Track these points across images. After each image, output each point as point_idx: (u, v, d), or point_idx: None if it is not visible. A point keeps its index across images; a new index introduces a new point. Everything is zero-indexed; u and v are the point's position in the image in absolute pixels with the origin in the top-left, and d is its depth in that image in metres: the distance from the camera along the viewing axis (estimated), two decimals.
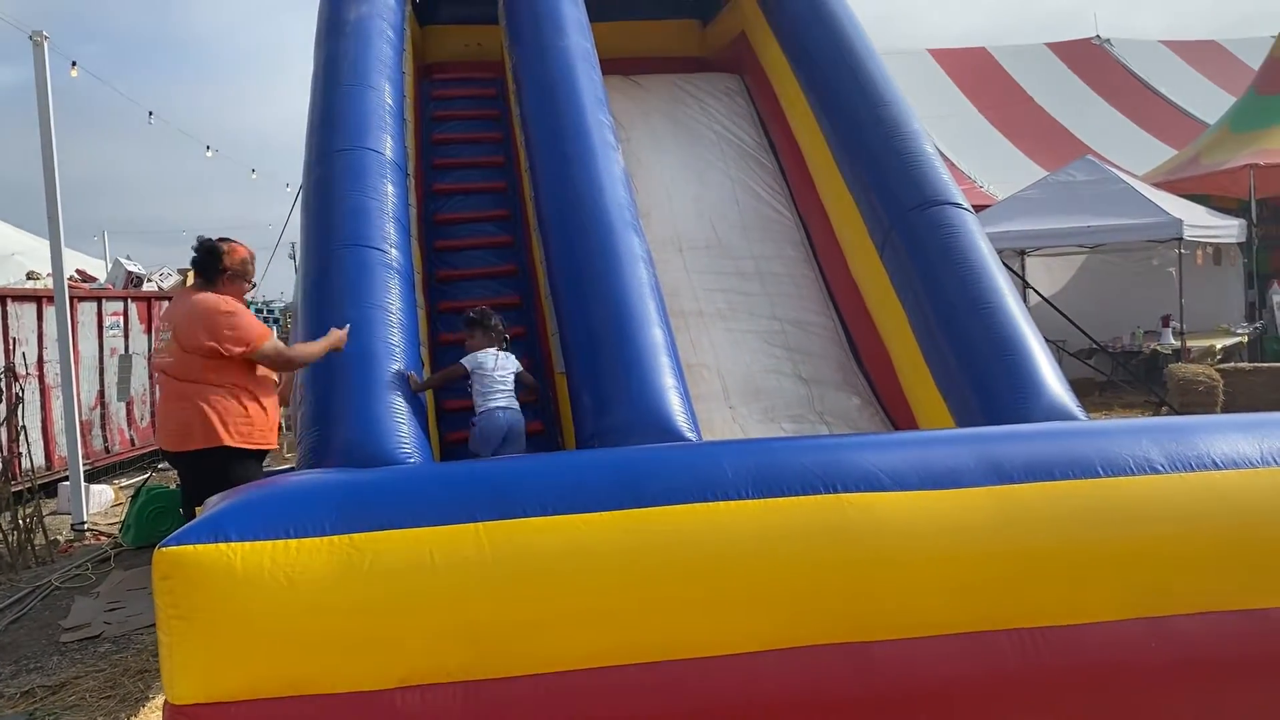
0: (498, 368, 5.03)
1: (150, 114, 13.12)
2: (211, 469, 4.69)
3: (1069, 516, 2.97)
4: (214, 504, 2.81)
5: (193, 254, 5.02)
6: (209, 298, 4.84)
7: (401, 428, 4.30)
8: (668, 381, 4.71)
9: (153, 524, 7.78)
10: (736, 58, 8.62)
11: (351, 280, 5.04)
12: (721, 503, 2.77)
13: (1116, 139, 19.90)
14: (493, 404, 4.97)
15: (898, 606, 2.81)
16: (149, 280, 13.95)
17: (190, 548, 2.51)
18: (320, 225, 5.43)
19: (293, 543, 2.56)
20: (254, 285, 5.15)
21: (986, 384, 4.99)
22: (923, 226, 5.77)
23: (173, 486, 8.42)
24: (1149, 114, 21.20)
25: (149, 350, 13.06)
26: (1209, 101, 20.30)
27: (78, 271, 13.80)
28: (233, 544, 2.53)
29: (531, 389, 5.53)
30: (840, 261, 6.68)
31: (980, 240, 5.71)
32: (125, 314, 12.67)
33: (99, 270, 15.80)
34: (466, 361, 5.05)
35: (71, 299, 10.16)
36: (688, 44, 9.46)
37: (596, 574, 2.67)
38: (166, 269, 14.54)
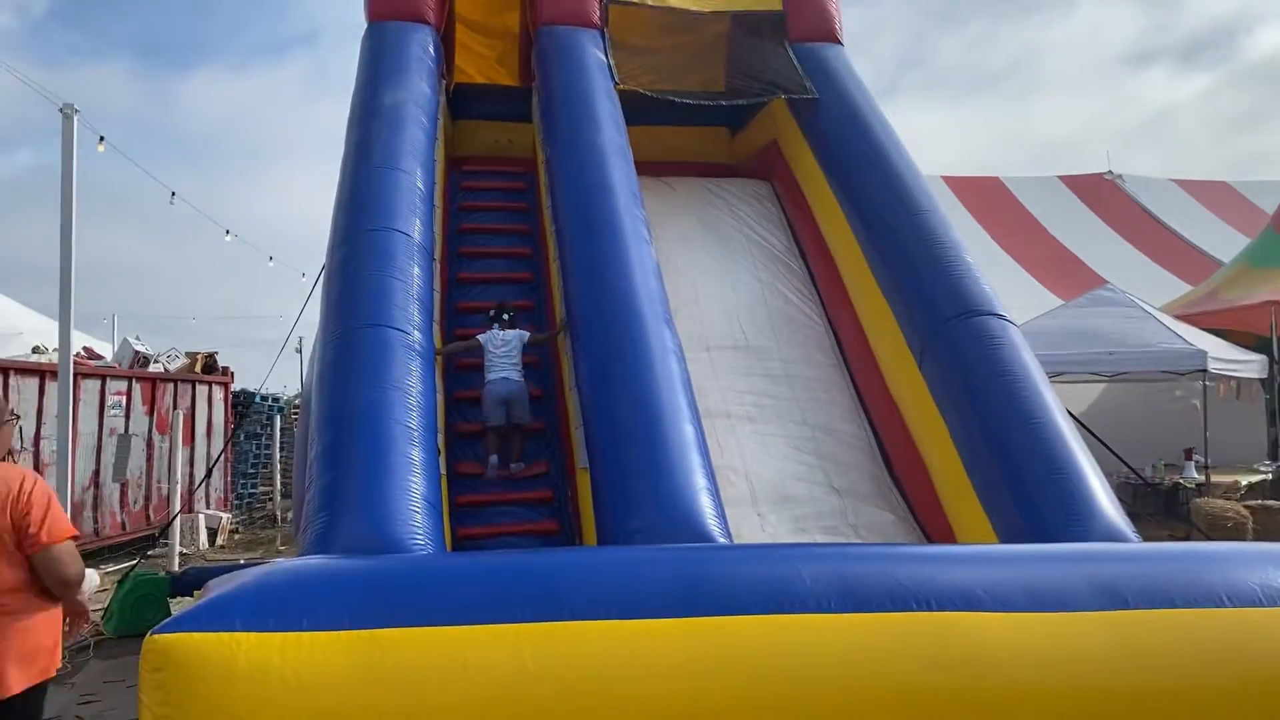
0: (501, 344, 6.00)
1: (173, 195, 13.11)
2: None
3: (1195, 650, 2.62)
4: (218, 586, 2.47)
5: None
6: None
7: (415, 517, 4.01)
8: (699, 481, 4.44)
9: (137, 612, 7.39)
10: (766, 164, 8.57)
11: (371, 360, 4.82)
12: (799, 615, 2.43)
13: (1131, 272, 19.93)
14: (492, 376, 5.94)
15: None
16: (155, 361, 13.75)
17: (188, 636, 2.17)
18: (343, 303, 5.24)
19: (306, 636, 2.21)
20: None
21: (1036, 503, 4.71)
22: (964, 337, 5.57)
23: (161, 574, 8.06)
24: (1162, 249, 21.32)
25: (148, 432, 12.79)
26: (1221, 239, 20.44)
27: (84, 349, 13.62)
28: (237, 634, 2.18)
29: (544, 340, 6.38)
30: (873, 369, 6.46)
31: (1024, 353, 5.51)
32: (129, 394, 12.44)
33: (106, 350, 15.61)
34: (480, 338, 6.08)
35: (75, 375, 9.93)
36: (717, 151, 9.44)
37: (652, 689, 2.31)
38: (174, 350, 14.37)
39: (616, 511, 4.45)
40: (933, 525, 5.71)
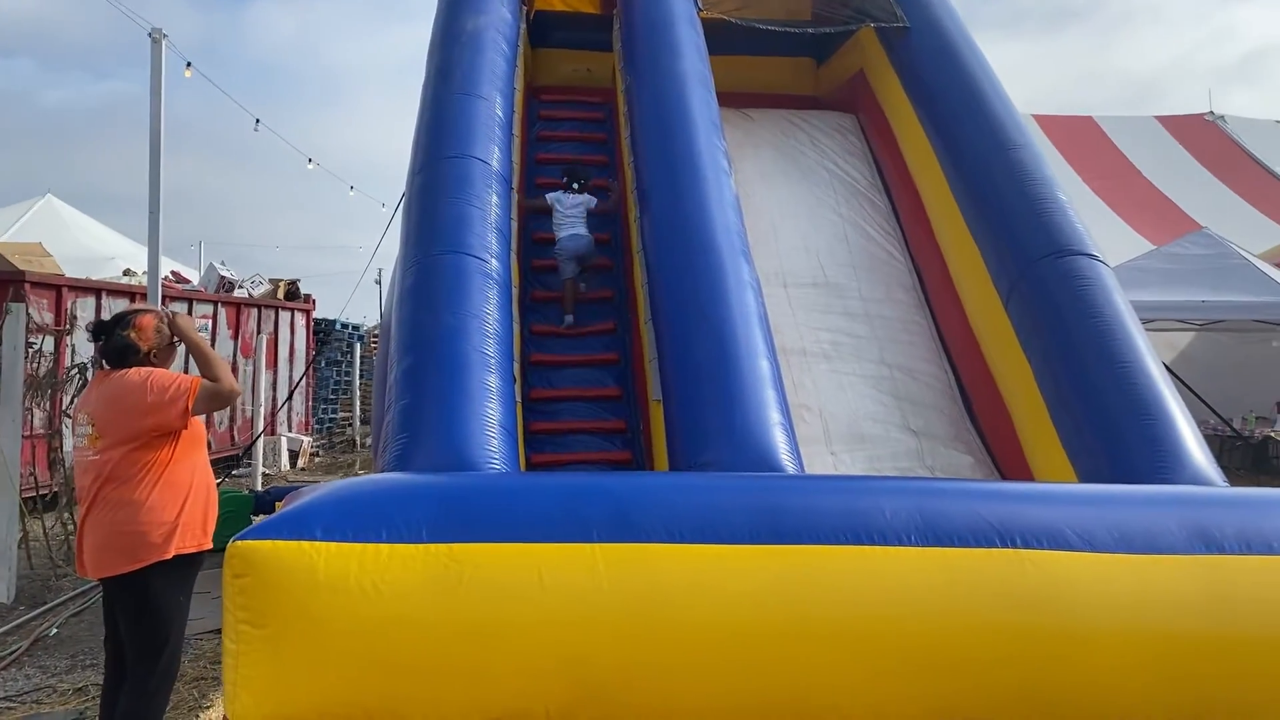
0: (570, 205, 6.67)
1: (258, 122, 13.29)
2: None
3: None
4: (299, 497, 2.51)
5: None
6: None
7: (492, 441, 4.03)
8: (773, 416, 4.38)
9: (221, 528, 7.61)
10: (852, 96, 8.34)
11: (450, 287, 4.82)
12: (878, 547, 2.38)
13: (1230, 216, 19.08)
14: (563, 233, 6.62)
15: (1084, 688, 2.37)
16: (240, 286, 14.07)
17: (270, 543, 2.22)
18: (422, 230, 5.24)
19: (384, 547, 2.24)
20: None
21: (1122, 449, 4.56)
22: (1054, 277, 5.39)
23: (245, 492, 8.31)
24: (1263, 193, 20.36)
25: (233, 356, 13.12)
26: None
27: (173, 273, 13.98)
28: (318, 544, 2.23)
29: (609, 209, 6.98)
30: (957, 309, 6.30)
31: (1116, 295, 5.31)
32: (214, 317, 12.76)
33: (193, 275, 16.02)
34: (549, 197, 6.76)
35: (163, 298, 10.19)
36: (800, 82, 9.20)
37: (727, 616, 2.28)
38: (258, 276, 14.67)
39: (689, 444, 4.42)
40: (1012, 469, 5.59)
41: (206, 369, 3.91)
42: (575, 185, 6.80)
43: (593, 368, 6.54)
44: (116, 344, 3.90)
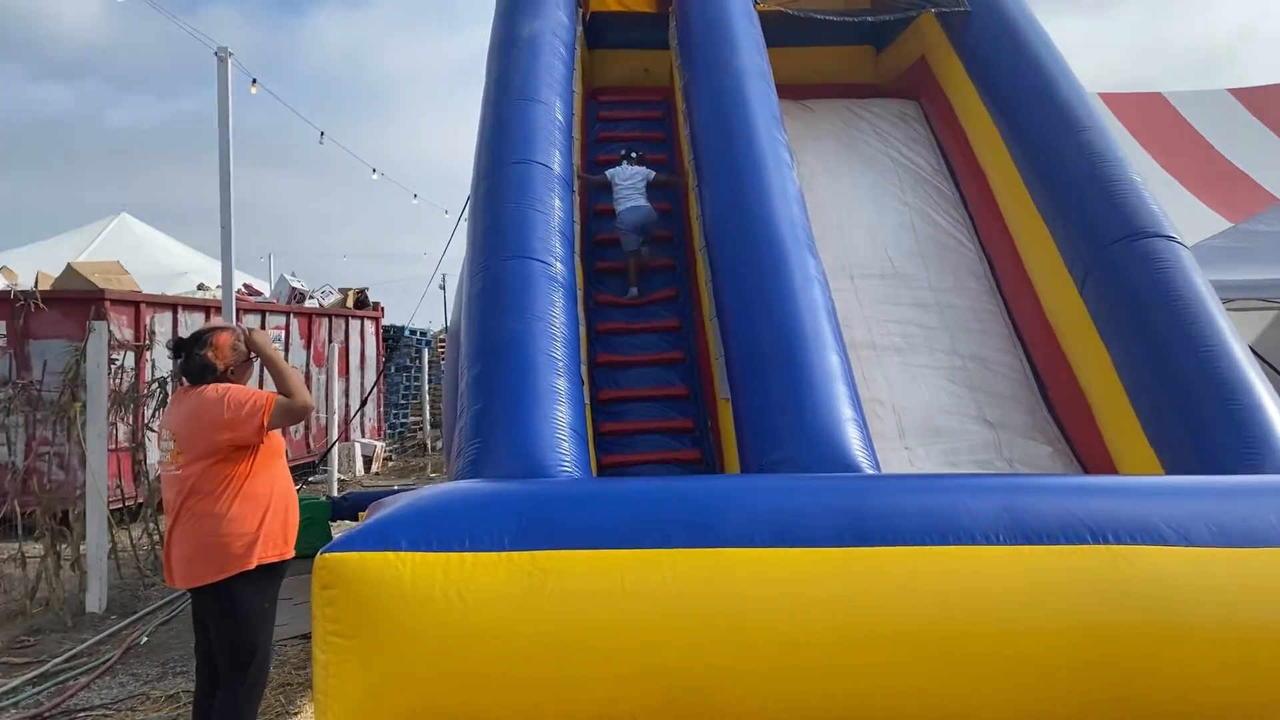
0: (627, 177, 6.88)
1: (322, 134, 13.54)
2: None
3: None
4: (381, 508, 2.55)
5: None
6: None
7: (563, 444, 4.05)
8: (845, 412, 4.33)
9: (301, 535, 7.76)
10: (914, 83, 8.21)
11: (516, 292, 4.85)
12: (965, 546, 2.33)
13: None
14: (622, 206, 6.80)
15: (1181, 688, 2.30)
16: (311, 297, 14.34)
17: (356, 555, 2.25)
18: (487, 236, 5.29)
19: (468, 556, 2.26)
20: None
21: (1207, 436, 4.43)
22: (1130, 260, 5.25)
23: (323, 499, 8.47)
24: None
25: (305, 365, 13.37)
26: None
27: (244, 285, 14.29)
28: (402, 554, 2.25)
29: (667, 181, 7.18)
30: (1030, 296, 6.17)
31: (1196, 276, 5.16)
32: (287, 328, 13.01)
33: (264, 287, 16.38)
34: (608, 173, 6.99)
35: (237, 310, 10.43)
36: (860, 71, 9.09)
37: (810, 620, 2.26)
38: (328, 286, 14.94)
39: (760, 443, 4.39)
40: (1092, 459, 5.45)
41: (282, 384, 3.97)
42: (633, 155, 7.03)
43: (659, 367, 6.54)
44: (195, 362, 3.98)
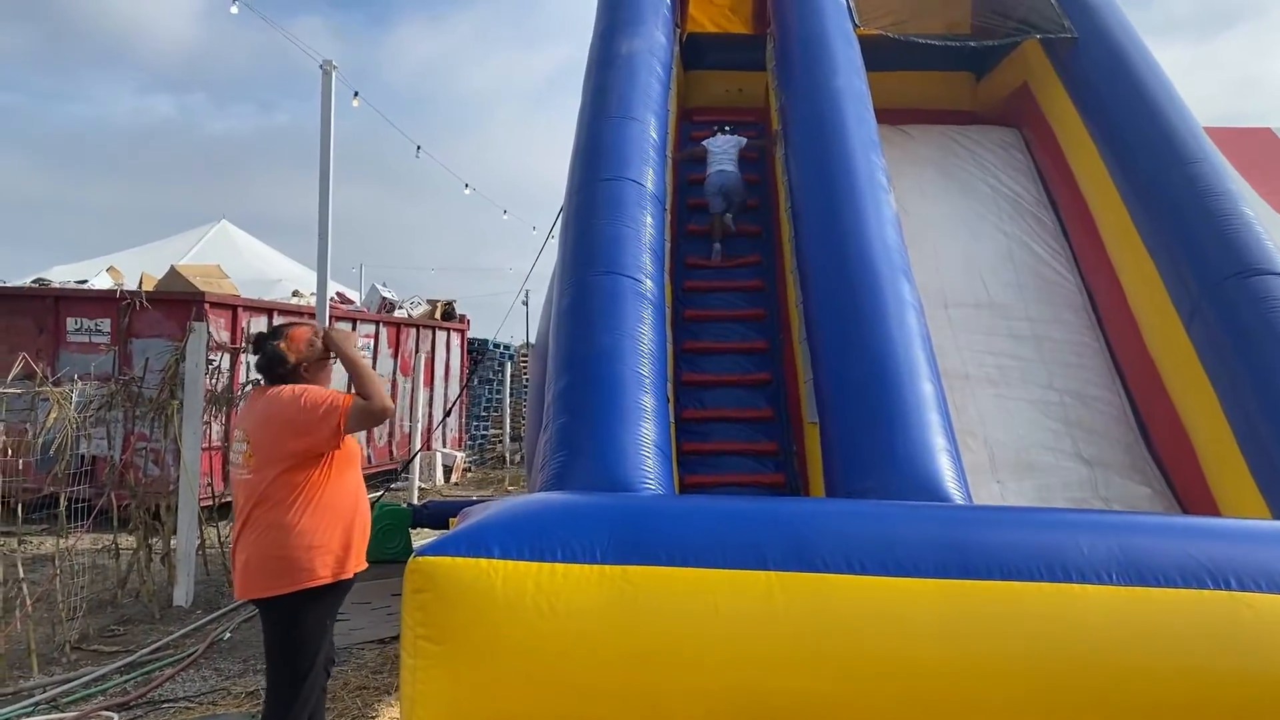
0: (720, 146, 7.43)
1: (419, 149, 13.80)
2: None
3: None
4: (472, 515, 2.54)
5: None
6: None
7: (647, 461, 4.02)
8: (938, 442, 4.21)
9: (381, 540, 7.86)
10: (1015, 111, 8.05)
11: (605, 307, 4.86)
12: (1076, 585, 2.23)
13: None
14: (712, 170, 7.33)
15: None
16: (400, 307, 14.60)
17: (449, 560, 2.23)
18: (578, 251, 5.31)
19: (560, 567, 2.23)
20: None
21: None
22: (1242, 298, 5.04)
23: (404, 506, 8.58)
24: None
25: (392, 373, 13.60)
26: None
27: (337, 294, 14.61)
28: (494, 561, 2.23)
29: (760, 146, 7.72)
30: (1132, 331, 5.96)
31: None
32: (376, 336, 13.26)
33: (355, 296, 16.73)
34: (704, 143, 7.59)
35: (330, 318, 10.66)
36: (960, 97, 8.94)
37: (911, 652, 2.18)
38: (417, 297, 15.19)
39: (849, 469, 4.30)
40: (1195, 502, 5.23)
41: (360, 385, 3.75)
42: (726, 128, 7.61)
43: (744, 388, 6.49)
44: (266, 353, 3.79)
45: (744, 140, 7.50)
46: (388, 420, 13.15)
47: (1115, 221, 6.21)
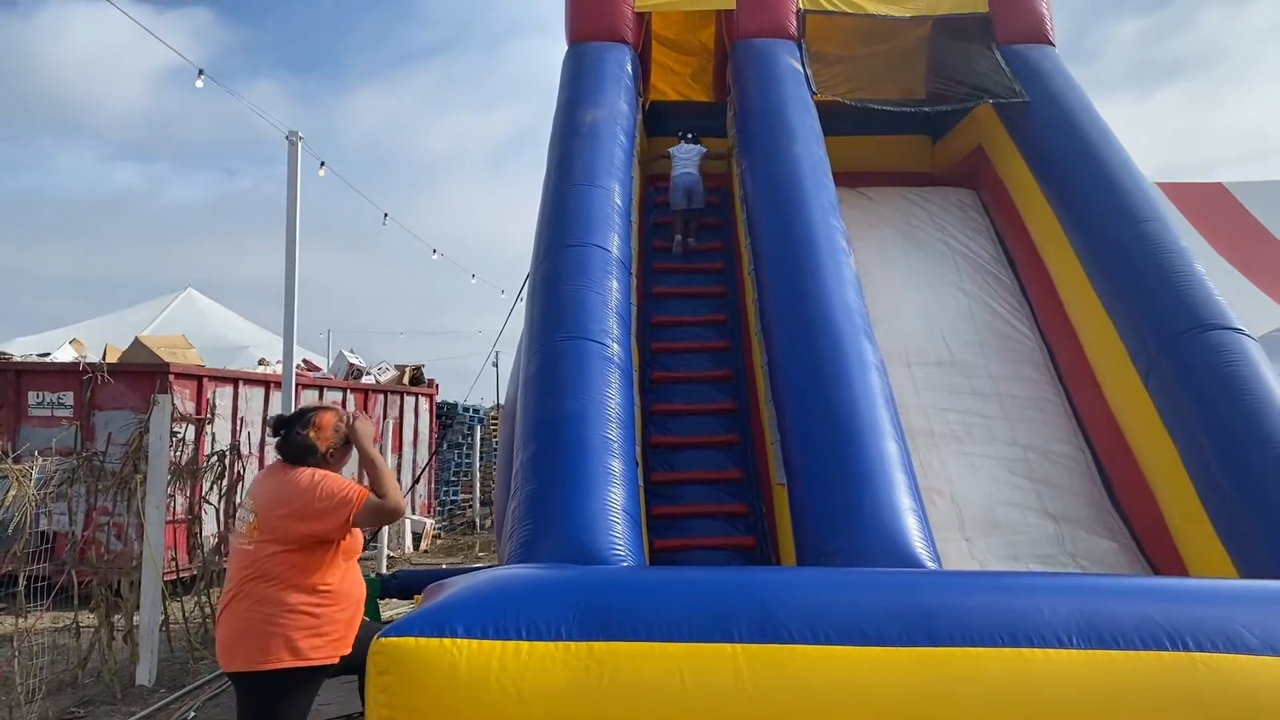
0: (685, 152, 8.24)
1: (385, 216, 13.88)
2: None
3: None
4: (439, 591, 2.52)
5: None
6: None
7: (616, 528, 4.02)
8: (904, 501, 4.26)
9: None
10: (971, 172, 8.24)
11: (572, 372, 4.88)
12: (1038, 649, 2.25)
13: None
14: (676, 172, 8.11)
15: None
16: (368, 373, 14.54)
17: (413, 641, 2.22)
18: (545, 316, 5.34)
19: (525, 645, 2.22)
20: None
21: None
22: (1197, 353, 5.16)
23: (372, 576, 8.46)
24: None
25: None
26: None
27: (304, 361, 14.53)
28: (459, 640, 2.21)
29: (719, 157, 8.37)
30: (1092, 387, 6.06)
31: (1265, 369, 5.05)
32: (343, 404, 13.16)
33: (322, 363, 16.65)
34: (670, 150, 8.34)
35: (296, 386, 10.61)
36: (917, 159, 9.16)
37: None
38: (385, 363, 15.14)
39: (817, 531, 4.32)
40: (1160, 556, 5.29)
41: (377, 484, 3.70)
42: (690, 136, 8.37)
43: (713, 449, 6.50)
44: (295, 442, 3.76)
45: (705, 150, 8.27)
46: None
47: (1072, 280, 6.35)
